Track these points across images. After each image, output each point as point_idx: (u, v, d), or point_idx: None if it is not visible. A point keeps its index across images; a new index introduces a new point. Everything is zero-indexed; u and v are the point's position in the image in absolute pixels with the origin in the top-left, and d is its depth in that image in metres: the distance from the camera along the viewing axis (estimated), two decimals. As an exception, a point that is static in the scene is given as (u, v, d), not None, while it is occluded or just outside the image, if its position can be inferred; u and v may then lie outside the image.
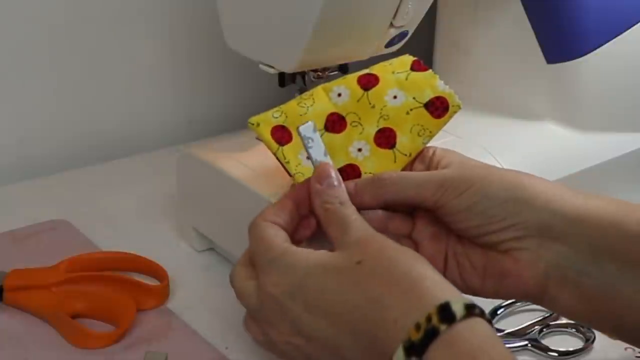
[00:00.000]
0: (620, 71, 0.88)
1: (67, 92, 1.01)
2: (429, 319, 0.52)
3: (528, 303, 0.75)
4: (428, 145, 0.67)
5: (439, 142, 0.69)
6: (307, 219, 0.64)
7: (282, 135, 0.65)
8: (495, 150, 0.81)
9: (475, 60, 0.92)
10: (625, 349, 0.70)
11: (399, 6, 0.75)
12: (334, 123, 0.66)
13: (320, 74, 0.81)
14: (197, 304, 0.76)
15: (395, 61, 0.69)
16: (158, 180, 0.94)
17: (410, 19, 0.77)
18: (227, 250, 0.81)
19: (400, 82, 0.67)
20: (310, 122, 0.64)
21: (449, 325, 0.52)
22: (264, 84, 0.96)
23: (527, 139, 0.87)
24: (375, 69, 0.68)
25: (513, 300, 0.74)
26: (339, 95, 0.67)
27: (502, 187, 0.62)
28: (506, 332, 0.72)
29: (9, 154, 0.99)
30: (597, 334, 0.71)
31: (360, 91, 0.67)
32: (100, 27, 1.00)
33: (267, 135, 0.65)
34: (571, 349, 0.70)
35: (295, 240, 0.62)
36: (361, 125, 0.66)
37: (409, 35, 0.80)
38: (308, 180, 0.64)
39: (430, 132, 0.67)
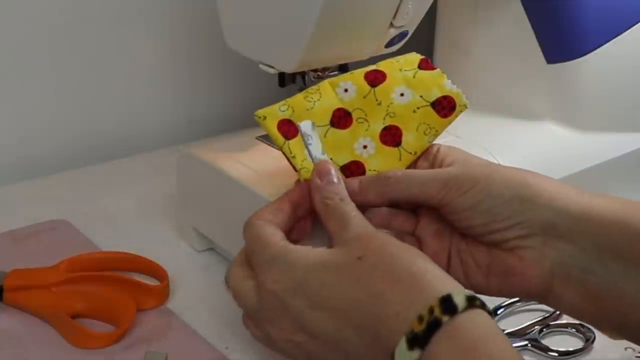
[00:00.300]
0: (620, 71, 0.88)
1: (67, 92, 1.01)
2: (431, 310, 0.52)
3: (528, 303, 0.75)
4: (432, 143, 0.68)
5: (439, 141, 0.69)
6: (304, 220, 0.64)
7: (288, 129, 0.65)
8: (495, 150, 0.81)
9: (476, 60, 0.92)
10: (626, 348, 0.70)
11: (399, 6, 0.75)
12: (340, 119, 0.66)
13: (320, 74, 0.81)
14: (197, 304, 0.76)
15: (402, 58, 0.69)
16: (158, 180, 0.94)
17: (410, 19, 0.77)
18: (227, 250, 0.81)
19: (407, 80, 0.67)
20: (309, 121, 0.65)
21: (451, 317, 0.52)
22: (264, 84, 0.95)
23: (527, 139, 0.87)
24: (382, 66, 0.68)
25: (513, 300, 0.74)
26: (346, 90, 0.67)
27: (506, 186, 0.62)
28: (506, 332, 0.72)
29: (9, 154, 0.99)
30: (597, 334, 0.71)
31: (367, 87, 0.67)
32: (100, 27, 1.00)
33: (274, 129, 0.65)
34: (571, 349, 0.70)
35: (291, 241, 0.62)
36: (367, 121, 0.66)
37: (409, 35, 0.80)
38: (304, 183, 0.64)
39: (436, 130, 0.67)
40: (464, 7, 0.92)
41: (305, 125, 0.64)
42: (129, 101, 1.05)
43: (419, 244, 0.65)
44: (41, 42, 0.97)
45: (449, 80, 0.67)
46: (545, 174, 0.66)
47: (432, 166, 0.66)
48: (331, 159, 0.66)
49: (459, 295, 0.53)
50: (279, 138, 0.65)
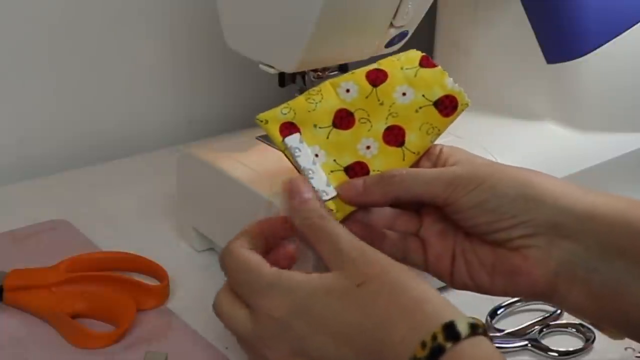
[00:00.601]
0: (620, 71, 0.88)
1: (67, 92, 1.01)
2: (434, 337, 0.52)
3: (528, 303, 0.75)
4: (434, 143, 0.67)
5: (439, 141, 0.69)
6: (284, 246, 0.64)
7: (290, 132, 0.65)
8: (495, 150, 0.81)
9: (476, 60, 0.92)
10: (626, 348, 0.70)
11: (399, 6, 0.75)
12: (342, 119, 0.66)
13: (320, 74, 0.81)
14: (197, 304, 0.76)
15: (402, 56, 0.68)
16: (158, 180, 0.94)
17: (410, 19, 0.77)
18: (227, 250, 0.81)
19: (409, 79, 0.67)
20: (296, 134, 0.64)
21: (454, 343, 0.52)
22: (264, 84, 0.96)
23: (527, 139, 0.87)
24: (383, 64, 0.68)
25: (513, 300, 0.75)
26: (348, 91, 0.67)
27: (512, 185, 0.61)
28: (506, 332, 0.72)
29: (9, 154, 0.99)
30: (597, 334, 0.71)
31: (369, 87, 0.67)
32: (100, 27, 1.00)
33: (276, 133, 0.65)
34: (571, 349, 0.70)
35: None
36: (370, 122, 0.66)
37: (409, 35, 0.80)
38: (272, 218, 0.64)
39: (439, 130, 0.66)
40: (464, 7, 0.92)
41: (291, 139, 0.64)
42: (129, 101, 1.05)
43: (423, 245, 0.65)
44: (41, 42, 0.97)
45: (451, 79, 0.67)
46: (545, 173, 0.66)
47: (435, 166, 0.66)
48: (334, 160, 0.66)
49: (462, 322, 0.53)
50: (281, 143, 0.65)
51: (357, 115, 0.66)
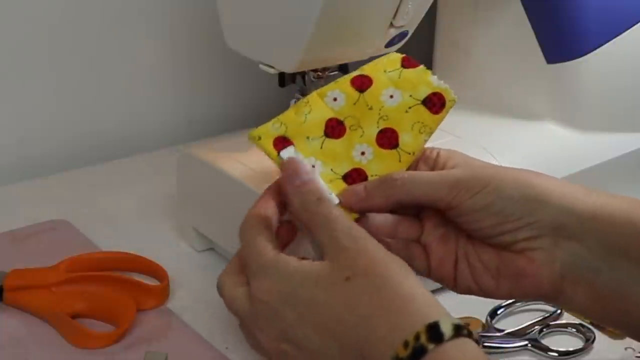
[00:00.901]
0: (620, 71, 0.88)
1: (67, 92, 1.01)
2: (417, 337, 0.52)
3: (528, 303, 0.75)
4: (430, 146, 0.67)
5: (438, 142, 0.69)
6: (284, 227, 0.64)
7: (284, 146, 0.65)
8: (495, 150, 0.81)
9: (476, 60, 0.92)
10: (626, 348, 0.71)
11: (399, 6, 0.75)
12: (334, 128, 0.66)
13: (320, 74, 0.81)
14: (197, 304, 0.76)
15: (384, 59, 0.68)
16: (158, 180, 0.94)
17: (410, 19, 0.77)
18: (227, 250, 0.81)
19: (394, 81, 0.67)
20: (291, 147, 0.64)
21: (437, 345, 0.52)
22: (264, 84, 0.95)
23: (527, 139, 0.87)
24: (366, 70, 0.67)
25: (513, 300, 0.75)
26: (335, 99, 0.66)
27: (514, 187, 0.61)
28: (506, 332, 0.72)
29: (9, 154, 0.99)
30: (597, 334, 0.72)
31: (355, 94, 0.67)
32: (100, 27, 1.00)
33: (270, 148, 0.65)
34: (571, 349, 0.70)
35: (281, 243, 0.63)
36: (361, 128, 0.66)
37: (409, 35, 0.80)
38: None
39: (430, 128, 0.66)
40: (464, 7, 0.92)
41: (286, 152, 0.64)
42: (129, 101, 1.05)
43: (425, 250, 0.65)
44: (41, 42, 0.97)
45: (435, 76, 0.67)
46: (546, 173, 0.66)
47: (433, 170, 0.66)
48: (332, 169, 0.65)
49: (446, 323, 0.53)
50: (277, 157, 0.65)
51: (347, 123, 0.66)
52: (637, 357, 0.70)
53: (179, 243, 0.85)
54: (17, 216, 0.87)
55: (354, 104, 0.66)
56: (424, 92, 0.66)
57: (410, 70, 0.67)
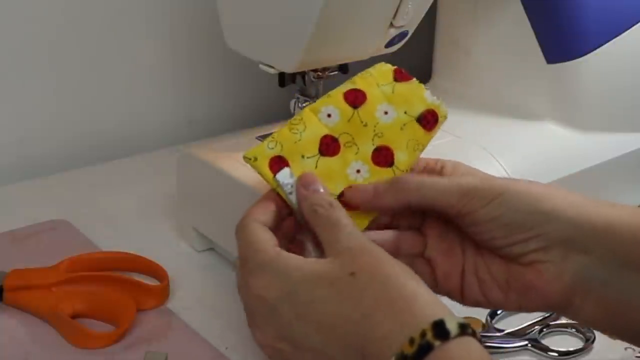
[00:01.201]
0: (620, 71, 0.88)
1: (67, 92, 1.01)
2: (423, 334, 0.52)
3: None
4: (434, 158, 0.67)
5: (438, 141, 0.68)
6: (287, 220, 0.64)
7: (280, 167, 0.64)
8: (495, 150, 0.81)
9: (476, 60, 0.92)
10: (626, 348, 0.70)
11: (399, 6, 0.75)
12: (328, 146, 0.65)
13: (320, 74, 0.81)
14: (197, 304, 0.76)
15: (374, 71, 0.67)
16: (158, 180, 0.94)
17: (410, 19, 0.77)
18: (227, 250, 0.81)
19: (387, 96, 0.66)
20: (286, 169, 0.64)
21: (443, 342, 0.52)
22: (264, 84, 0.95)
23: (527, 139, 0.87)
24: (358, 83, 0.67)
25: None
26: (329, 115, 0.66)
27: (526, 199, 0.61)
28: (506, 332, 0.72)
29: (9, 154, 0.99)
30: (597, 334, 0.71)
31: (349, 110, 0.66)
32: (100, 27, 1.00)
33: (265, 169, 0.64)
34: (571, 349, 0.70)
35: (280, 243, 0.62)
36: (355, 145, 0.65)
37: (409, 35, 0.80)
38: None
39: (423, 145, 0.66)
40: (464, 7, 0.92)
41: (282, 175, 0.64)
42: (129, 101, 1.05)
43: (430, 265, 0.65)
44: (41, 42, 0.97)
45: (428, 91, 0.66)
46: (545, 174, 0.66)
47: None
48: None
49: (452, 321, 0.53)
50: (272, 180, 0.64)
51: (341, 140, 0.66)
52: (637, 357, 0.70)
53: (179, 243, 0.85)
54: (17, 216, 0.87)
55: (348, 120, 0.66)
56: (418, 109, 0.65)
57: (404, 84, 0.66)
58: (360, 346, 0.55)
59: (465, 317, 0.71)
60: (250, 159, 0.65)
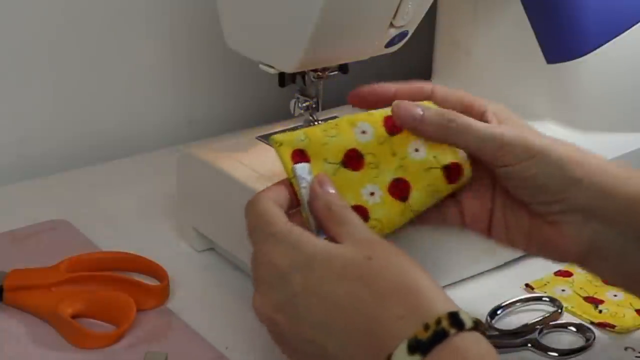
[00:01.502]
0: (620, 71, 0.88)
1: (67, 92, 1.01)
2: (438, 321, 0.53)
3: (528, 303, 0.75)
4: (479, 99, 0.67)
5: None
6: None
7: (300, 160, 0.64)
8: (495, 150, 0.81)
9: (476, 60, 0.92)
10: (626, 348, 0.71)
11: (399, 6, 0.75)
12: (352, 159, 0.65)
13: (320, 74, 0.81)
14: (197, 304, 0.76)
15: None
16: (158, 180, 0.94)
17: (410, 19, 0.77)
18: (227, 250, 0.81)
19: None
20: (306, 164, 0.64)
21: (458, 331, 0.53)
22: (264, 84, 0.95)
23: (527, 139, 0.86)
24: None
25: (513, 300, 0.75)
26: (364, 132, 0.66)
27: (558, 165, 0.63)
28: (506, 332, 0.72)
29: (9, 154, 0.99)
30: (597, 333, 0.71)
31: (384, 134, 0.66)
32: (100, 27, 1.00)
33: (287, 158, 0.64)
34: (571, 349, 0.70)
35: None
36: (378, 169, 0.66)
37: (409, 35, 0.80)
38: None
39: (441, 194, 0.66)
40: (464, 7, 0.92)
41: (301, 168, 0.64)
42: (129, 101, 1.05)
43: (459, 206, 0.67)
44: (41, 42, 0.97)
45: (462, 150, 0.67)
46: (591, 153, 0.67)
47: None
48: None
49: (465, 315, 0.54)
50: (291, 169, 0.64)
51: (366, 160, 0.66)
52: (637, 357, 0.70)
53: (179, 243, 0.85)
54: (17, 216, 0.87)
55: (380, 144, 0.66)
56: (447, 159, 0.65)
57: None
58: (367, 327, 0.55)
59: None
60: (276, 142, 0.65)
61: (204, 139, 0.96)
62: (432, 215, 0.67)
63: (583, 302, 0.76)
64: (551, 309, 0.74)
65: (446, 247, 0.76)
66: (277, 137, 0.65)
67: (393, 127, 0.66)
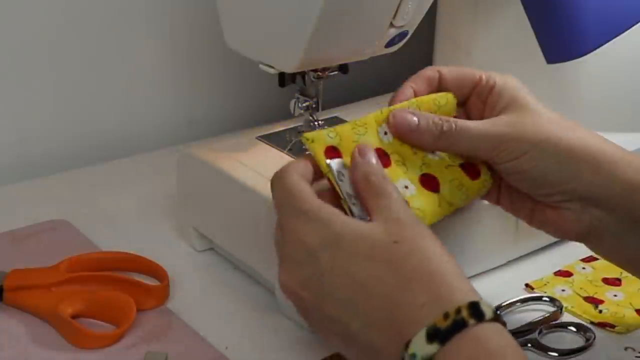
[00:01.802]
0: (620, 71, 0.88)
1: (67, 92, 1.01)
2: (458, 311, 0.53)
3: (528, 303, 0.75)
4: (487, 73, 0.69)
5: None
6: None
7: (333, 156, 0.65)
8: (495, 150, 0.81)
9: (476, 60, 0.92)
10: (626, 348, 0.71)
11: (399, 6, 0.75)
12: (380, 157, 0.65)
13: (320, 74, 0.81)
14: (197, 304, 0.76)
15: (440, 99, 0.68)
16: (158, 180, 0.94)
17: (410, 19, 0.77)
18: (227, 250, 0.81)
19: None
20: (340, 159, 0.64)
21: (478, 322, 0.53)
22: (264, 84, 0.95)
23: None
24: (423, 106, 0.68)
25: (513, 300, 0.75)
26: (386, 133, 0.67)
27: (555, 156, 0.64)
28: (506, 332, 0.72)
29: (9, 154, 0.99)
30: (597, 333, 0.71)
31: None
32: (100, 27, 1.00)
33: (320, 154, 0.65)
34: (571, 349, 0.70)
35: None
36: (405, 165, 0.67)
37: (409, 35, 0.80)
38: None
39: (467, 189, 0.67)
40: (464, 7, 0.92)
41: (336, 163, 0.64)
42: (129, 101, 1.05)
43: None
44: (41, 42, 0.97)
45: None
46: (590, 131, 0.67)
47: (484, 105, 0.68)
48: None
49: (486, 306, 0.54)
50: (325, 165, 0.64)
51: (392, 158, 0.66)
52: (637, 357, 0.70)
53: (179, 243, 0.85)
54: (17, 216, 0.87)
55: (401, 145, 0.67)
56: (459, 160, 0.68)
57: None
58: (389, 310, 0.55)
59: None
60: (308, 140, 0.65)
61: (204, 139, 0.96)
62: None
63: (583, 302, 0.76)
64: (551, 309, 0.74)
65: (446, 247, 0.76)
66: (308, 134, 0.65)
67: None
